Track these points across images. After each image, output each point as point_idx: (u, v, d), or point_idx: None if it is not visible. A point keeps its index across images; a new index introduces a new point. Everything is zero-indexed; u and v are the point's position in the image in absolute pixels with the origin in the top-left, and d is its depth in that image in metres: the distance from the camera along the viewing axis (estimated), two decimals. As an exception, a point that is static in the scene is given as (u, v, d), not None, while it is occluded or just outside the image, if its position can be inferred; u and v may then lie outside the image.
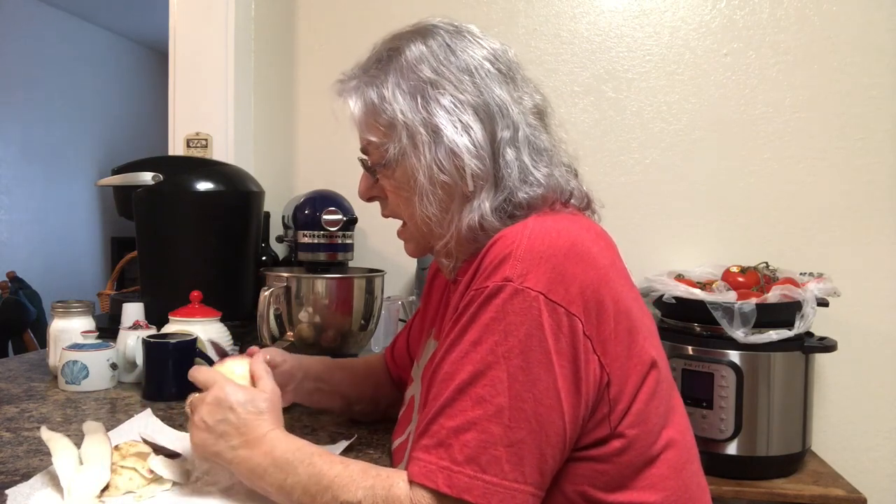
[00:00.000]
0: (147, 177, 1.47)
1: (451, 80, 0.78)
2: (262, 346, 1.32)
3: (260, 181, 1.64)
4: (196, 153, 1.80)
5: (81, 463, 0.79)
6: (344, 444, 0.97)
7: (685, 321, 1.61)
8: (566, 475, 0.70)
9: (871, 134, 1.81)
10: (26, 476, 0.80)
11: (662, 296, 1.59)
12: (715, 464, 1.51)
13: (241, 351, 0.91)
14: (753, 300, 1.49)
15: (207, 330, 1.26)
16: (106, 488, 0.76)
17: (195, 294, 1.30)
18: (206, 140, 1.80)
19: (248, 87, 1.87)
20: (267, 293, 1.31)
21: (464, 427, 0.65)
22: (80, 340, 1.26)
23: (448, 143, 0.77)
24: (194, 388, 0.83)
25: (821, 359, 1.78)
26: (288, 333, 1.39)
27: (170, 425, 1.01)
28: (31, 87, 4.60)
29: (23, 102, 4.55)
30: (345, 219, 1.49)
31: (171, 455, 0.83)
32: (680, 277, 1.67)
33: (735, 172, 1.87)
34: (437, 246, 0.83)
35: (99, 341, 1.27)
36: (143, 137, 5.16)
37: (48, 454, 0.79)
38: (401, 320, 1.70)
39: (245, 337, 1.46)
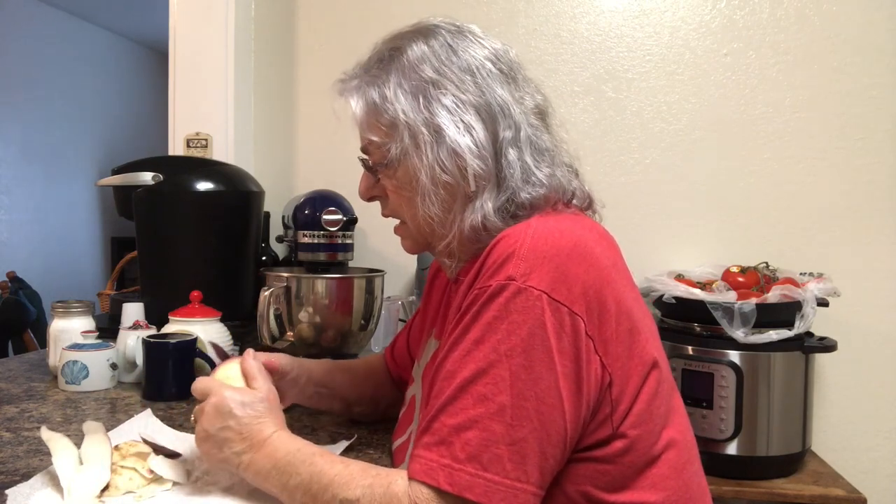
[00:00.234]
0: (147, 177, 1.47)
1: (453, 79, 0.78)
2: (262, 346, 1.33)
3: (260, 181, 1.64)
4: (196, 153, 1.80)
5: (81, 463, 0.79)
6: (344, 444, 0.97)
7: (685, 321, 1.61)
8: (568, 475, 0.70)
9: (871, 134, 1.81)
10: (26, 476, 0.80)
11: (662, 296, 1.59)
12: (715, 464, 1.50)
13: (242, 351, 0.91)
14: (753, 300, 1.49)
15: (207, 330, 1.26)
16: (106, 488, 0.76)
17: (195, 294, 1.30)
18: (206, 140, 1.80)
19: (248, 87, 1.87)
20: (267, 293, 1.31)
21: (465, 425, 0.65)
22: (80, 340, 1.26)
23: (450, 143, 0.77)
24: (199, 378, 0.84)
25: (821, 359, 1.78)
26: (288, 333, 1.39)
27: (170, 425, 1.01)
28: (31, 87, 4.60)
29: (23, 102, 4.55)
30: (345, 219, 1.49)
31: (171, 455, 0.83)
32: (680, 277, 1.67)
33: (735, 172, 1.87)
34: (439, 246, 0.83)
35: (99, 341, 1.27)
36: (143, 137, 5.16)
37: (48, 454, 0.79)
38: (401, 320, 1.70)
39: (245, 337, 1.46)
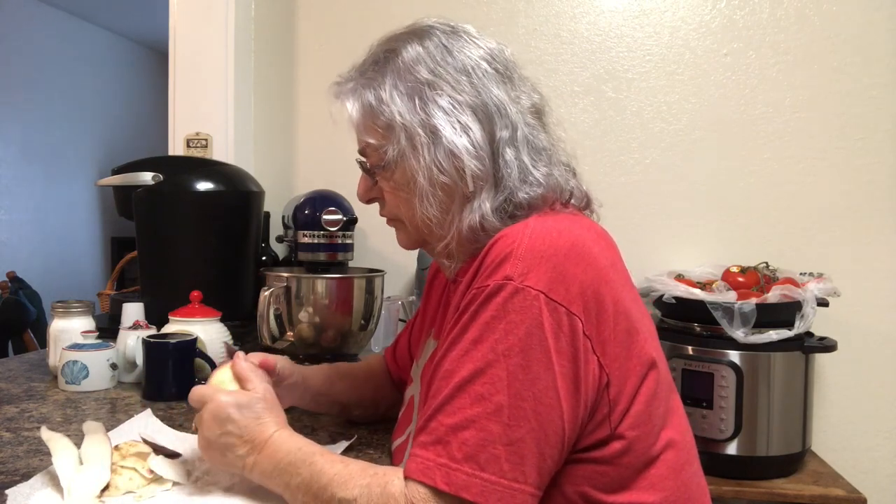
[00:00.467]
0: (147, 177, 1.47)
1: (449, 80, 0.78)
2: (262, 346, 1.33)
3: (260, 181, 1.64)
4: (196, 153, 1.80)
5: (81, 463, 0.79)
6: (344, 444, 0.97)
7: (685, 321, 1.61)
8: (566, 476, 0.70)
9: (871, 134, 1.81)
10: (26, 476, 0.80)
11: (662, 296, 1.59)
12: (715, 464, 1.50)
13: (246, 353, 0.90)
14: (753, 300, 1.49)
15: (207, 330, 1.26)
16: (106, 488, 0.76)
17: (195, 294, 1.30)
18: (206, 140, 1.80)
19: (248, 87, 1.87)
20: (267, 293, 1.31)
21: (463, 424, 0.65)
22: (80, 340, 1.26)
23: (447, 143, 0.77)
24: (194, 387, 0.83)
25: (821, 359, 1.78)
26: (288, 333, 1.39)
27: (170, 425, 1.01)
28: (31, 88, 4.60)
29: (23, 102, 4.55)
30: (345, 219, 1.49)
31: (171, 455, 0.83)
32: (680, 277, 1.67)
33: (735, 172, 1.87)
34: (437, 247, 0.83)
35: (99, 341, 1.27)
36: (143, 137, 5.16)
37: (48, 454, 0.80)
38: (401, 320, 1.70)
39: (245, 337, 1.46)
